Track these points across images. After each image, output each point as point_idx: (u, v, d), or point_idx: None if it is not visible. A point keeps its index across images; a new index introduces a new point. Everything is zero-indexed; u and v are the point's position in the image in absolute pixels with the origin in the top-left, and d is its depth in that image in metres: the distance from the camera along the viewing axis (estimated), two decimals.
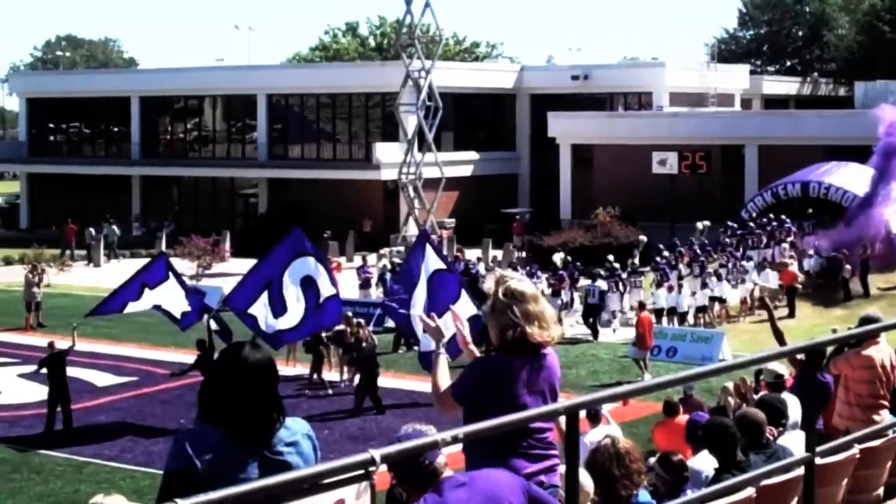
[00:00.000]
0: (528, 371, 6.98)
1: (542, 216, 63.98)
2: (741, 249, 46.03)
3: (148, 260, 33.35)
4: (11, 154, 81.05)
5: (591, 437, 14.86)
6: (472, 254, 50.94)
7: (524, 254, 53.76)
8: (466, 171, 67.02)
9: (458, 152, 67.28)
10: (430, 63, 59.42)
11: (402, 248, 54.81)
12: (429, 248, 25.82)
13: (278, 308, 25.10)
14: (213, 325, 26.76)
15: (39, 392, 28.99)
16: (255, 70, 73.74)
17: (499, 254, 53.39)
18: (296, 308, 25.13)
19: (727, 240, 47.11)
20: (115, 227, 63.88)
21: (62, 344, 28.24)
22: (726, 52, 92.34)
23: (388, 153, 63.51)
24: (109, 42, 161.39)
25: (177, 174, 73.01)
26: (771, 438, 9.18)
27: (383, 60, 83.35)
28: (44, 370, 27.67)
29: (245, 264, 33.95)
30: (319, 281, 25.10)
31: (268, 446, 5.55)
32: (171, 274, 27.60)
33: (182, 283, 28.13)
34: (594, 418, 17.27)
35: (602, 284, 40.31)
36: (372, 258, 49.24)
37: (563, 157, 64.69)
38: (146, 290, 26.99)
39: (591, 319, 39.76)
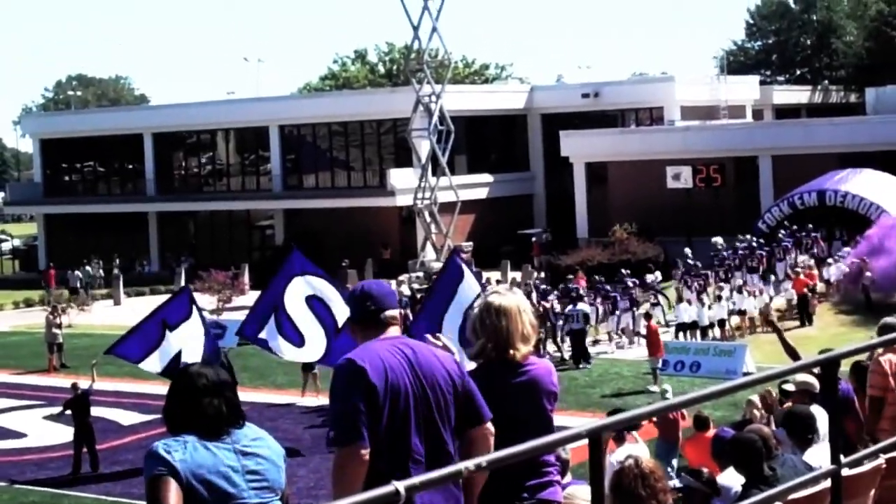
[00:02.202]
0: (500, 386, 6.86)
1: (559, 235, 63.96)
2: (754, 263, 45.99)
3: (169, 295, 33.36)
4: (27, 195, 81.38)
5: (618, 455, 14.80)
6: (490, 276, 50.84)
7: (543, 274, 53.70)
8: (481, 193, 67.04)
9: (472, 175, 67.29)
10: (440, 87, 59.37)
11: (420, 274, 54.78)
12: (466, 270, 23.60)
13: (292, 336, 25.22)
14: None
15: (65, 434, 29.03)
16: (266, 102, 73.89)
17: (517, 275, 53.32)
18: (313, 336, 25.14)
19: (745, 252, 47.09)
20: (89, 268, 63.74)
21: (85, 384, 28.27)
22: (735, 63, 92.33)
23: (402, 179, 63.55)
24: (120, 80, 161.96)
25: (192, 209, 73.24)
26: (778, 451, 9.17)
27: (393, 87, 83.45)
28: (68, 412, 27.74)
29: None
30: (330, 300, 25.10)
31: (235, 442, 5.84)
32: (194, 309, 27.56)
33: (203, 320, 28.11)
34: (620, 437, 17.23)
35: (585, 307, 39.66)
36: (392, 284, 49.20)
37: (577, 176, 64.62)
38: (167, 332, 26.84)
39: (576, 346, 38.52)
